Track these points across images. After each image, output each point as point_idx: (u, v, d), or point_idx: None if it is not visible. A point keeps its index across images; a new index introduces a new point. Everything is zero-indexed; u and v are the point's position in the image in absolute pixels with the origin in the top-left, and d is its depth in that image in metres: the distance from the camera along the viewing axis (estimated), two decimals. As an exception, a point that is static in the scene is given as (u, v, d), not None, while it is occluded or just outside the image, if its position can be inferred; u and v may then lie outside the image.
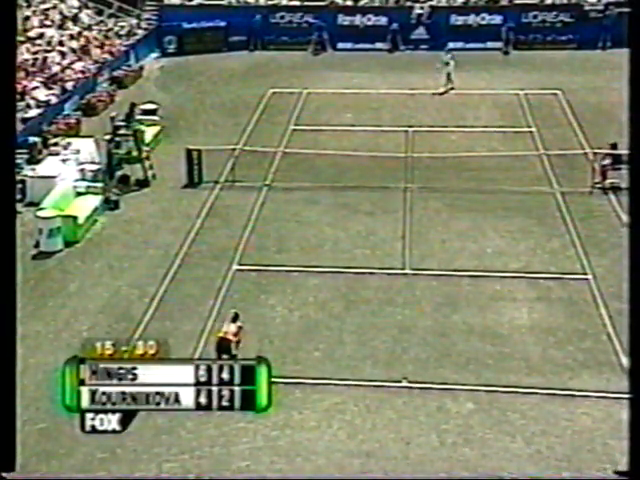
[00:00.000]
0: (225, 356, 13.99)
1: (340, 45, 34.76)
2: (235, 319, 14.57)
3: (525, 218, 20.29)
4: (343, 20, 35.03)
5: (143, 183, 22.41)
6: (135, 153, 22.41)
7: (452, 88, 29.12)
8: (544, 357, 15.13)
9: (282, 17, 35.00)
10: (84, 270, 18.39)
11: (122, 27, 34.03)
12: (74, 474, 12.56)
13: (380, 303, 16.91)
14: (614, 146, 21.77)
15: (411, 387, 14.33)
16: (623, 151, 20.93)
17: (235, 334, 14.35)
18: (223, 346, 14.25)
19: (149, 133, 24.14)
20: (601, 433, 13.21)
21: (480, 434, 13.25)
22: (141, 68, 32.43)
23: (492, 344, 15.48)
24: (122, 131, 22.41)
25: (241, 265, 18.40)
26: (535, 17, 34.31)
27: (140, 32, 34.42)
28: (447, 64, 29.27)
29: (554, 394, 14.09)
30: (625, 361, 14.58)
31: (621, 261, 17.39)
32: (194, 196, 21.82)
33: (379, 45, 34.51)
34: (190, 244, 19.34)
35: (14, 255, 6.94)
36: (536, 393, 14.11)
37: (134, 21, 34.89)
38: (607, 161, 21.72)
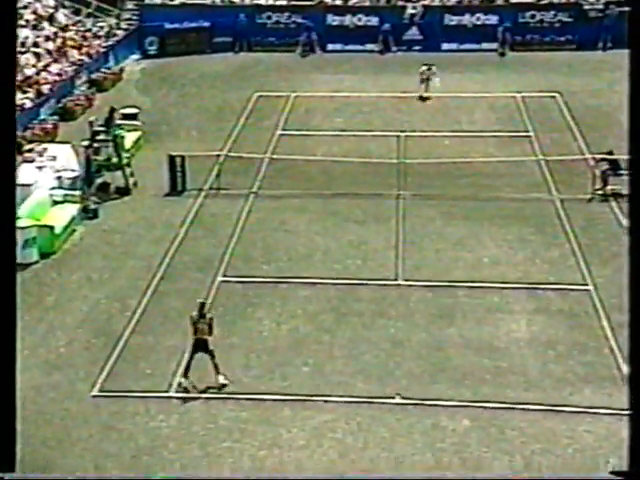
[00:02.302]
0: (204, 354, 14.52)
1: (329, 46, 34.88)
2: (202, 309, 14.67)
3: (523, 226, 20.38)
4: (332, 20, 35.16)
5: (123, 191, 22.39)
6: (115, 160, 22.40)
7: (421, 97, 28.83)
8: (543, 372, 15.18)
9: (269, 17, 35.10)
10: (61, 282, 18.35)
11: (101, 27, 34.05)
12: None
13: (372, 316, 16.94)
14: (610, 154, 21.91)
15: (405, 404, 14.34)
16: (621, 156, 21.07)
17: (209, 328, 14.60)
18: (201, 346, 14.59)
19: (130, 139, 24.13)
20: (604, 451, 13.24)
21: (477, 453, 13.27)
22: (121, 70, 32.44)
23: (489, 358, 15.53)
24: (101, 136, 22.39)
25: (226, 276, 18.39)
26: (532, 17, 34.53)
27: (120, 33, 34.45)
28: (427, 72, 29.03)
29: (554, 410, 14.13)
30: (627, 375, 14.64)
31: (623, 271, 17.48)
32: (177, 204, 21.81)
33: (370, 46, 34.64)
34: (173, 255, 19.33)
35: (14, 262, 7.07)
36: (535, 409, 14.15)
37: (113, 21, 34.93)
38: (605, 166, 21.84)
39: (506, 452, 13.27)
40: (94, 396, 14.64)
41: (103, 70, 31.43)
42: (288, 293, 17.73)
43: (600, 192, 21.68)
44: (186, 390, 14.60)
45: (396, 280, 18.17)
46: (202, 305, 14.77)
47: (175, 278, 18.36)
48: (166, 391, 14.65)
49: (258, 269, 18.71)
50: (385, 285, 17.97)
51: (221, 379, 14.68)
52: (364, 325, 16.63)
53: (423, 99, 28.89)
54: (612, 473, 11.72)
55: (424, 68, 29.01)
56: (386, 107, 28.38)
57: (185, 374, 14.67)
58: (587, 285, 17.82)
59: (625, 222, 19.98)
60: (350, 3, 35.63)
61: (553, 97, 28.67)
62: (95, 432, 13.73)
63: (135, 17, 35.39)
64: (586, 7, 34.34)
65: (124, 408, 14.29)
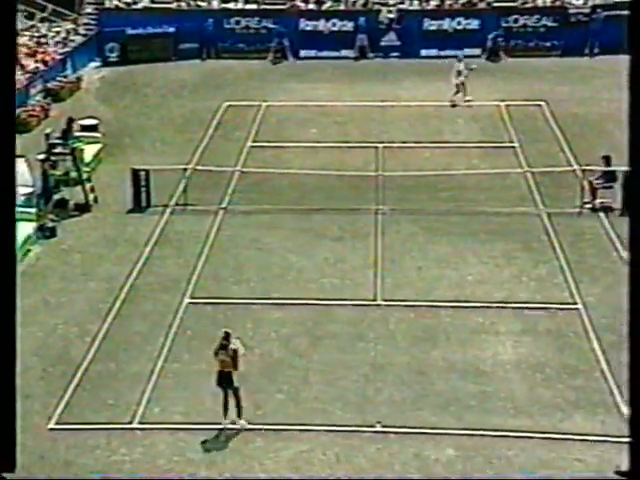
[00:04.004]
0: (228, 390, 14.24)
1: (302, 53, 35.03)
2: (227, 339, 14.27)
3: (508, 242, 20.50)
4: (305, 25, 35.31)
5: (83, 207, 22.30)
6: (74, 174, 22.33)
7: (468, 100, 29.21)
8: (531, 397, 15.24)
9: (238, 22, 35.19)
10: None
11: (57, 33, 33.98)
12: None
13: (350, 338, 16.94)
14: (607, 159, 21.88)
15: (386, 432, 14.34)
16: (617, 167, 21.15)
17: (233, 359, 14.19)
18: (224, 378, 14.26)
19: (89, 152, 24.08)
20: (596, 480, 13.32)
21: (463, 483, 13.29)
22: (79, 79, 32.36)
23: (474, 382, 15.57)
24: (58, 150, 22.34)
25: (194, 298, 18.34)
26: (516, 21, 34.88)
27: (78, 38, 34.38)
28: (459, 73, 29.22)
29: (543, 437, 14.18)
30: (620, 399, 14.73)
31: (614, 289, 17.66)
32: (141, 222, 21.75)
33: (345, 53, 34.84)
34: (137, 275, 19.25)
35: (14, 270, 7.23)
36: (524, 437, 14.19)
37: (70, 26, 34.86)
38: (599, 180, 21.88)
39: (493, 482, 13.31)
40: (51, 429, 14.50)
41: (60, 79, 31.31)
42: (260, 315, 17.70)
43: (589, 205, 21.84)
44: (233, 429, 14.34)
45: (375, 300, 18.20)
46: (227, 335, 14.34)
47: (139, 300, 18.28)
48: (129, 422, 14.55)
49: (228, 290, 18.68)
50: (363, 305, 17.99)
51: (243, 422, 14.37)
52: (341, 348, 16.62)
53: (454, 105, 29.02)
54: (615, 473, 12.02)
55: (458, 64, 29.14)
56: (363, 117, 28.51)
57: (225, 413, 14.36)
58: (576, 304, 17.92)
59: (616, 238, 20.17)
60: (324, 7, 35.79)
61: (538, 105, 28.95)
62: (52, 468, 13.59)
63: (94, 22, 35.32)
64: (572, 11, 34.69)
65: (84, 442, 14.16)
